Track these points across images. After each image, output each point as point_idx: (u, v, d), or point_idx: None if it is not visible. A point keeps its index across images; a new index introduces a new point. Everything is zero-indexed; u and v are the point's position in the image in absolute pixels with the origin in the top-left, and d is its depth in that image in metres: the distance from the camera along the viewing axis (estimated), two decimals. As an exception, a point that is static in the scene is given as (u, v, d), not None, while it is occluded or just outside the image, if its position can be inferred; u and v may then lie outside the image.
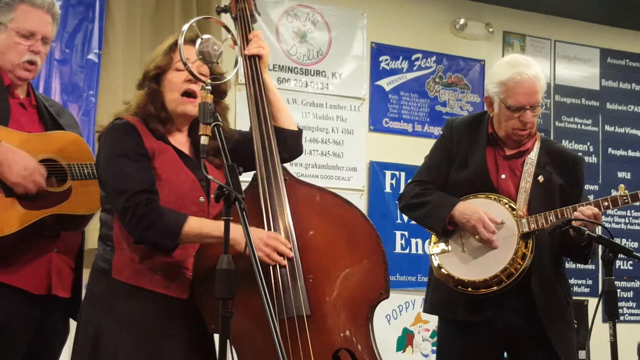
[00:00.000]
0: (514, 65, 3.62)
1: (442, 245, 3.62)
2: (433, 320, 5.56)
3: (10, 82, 3.15)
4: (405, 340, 6.15)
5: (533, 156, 3.65)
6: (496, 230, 3.49)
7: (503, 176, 3.64)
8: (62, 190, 3.09)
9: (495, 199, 3.58)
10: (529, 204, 3.57)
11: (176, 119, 2.96)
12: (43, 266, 3.06)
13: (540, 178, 3.61)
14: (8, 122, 3.05)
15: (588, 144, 7.06)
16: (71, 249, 3.18)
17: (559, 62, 7.06)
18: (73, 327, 3.02)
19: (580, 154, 6.60)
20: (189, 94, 2.90)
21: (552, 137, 6.73)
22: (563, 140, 6.80)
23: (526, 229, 3.49)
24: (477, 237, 3.52)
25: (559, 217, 3.45)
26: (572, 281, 6.17)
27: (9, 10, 3.13)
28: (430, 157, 3.85)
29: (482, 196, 3.60)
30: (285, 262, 2.76)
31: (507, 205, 3.55)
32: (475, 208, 3.53)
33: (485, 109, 3.77)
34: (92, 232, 3.13)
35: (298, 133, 3.14)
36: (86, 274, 3.02)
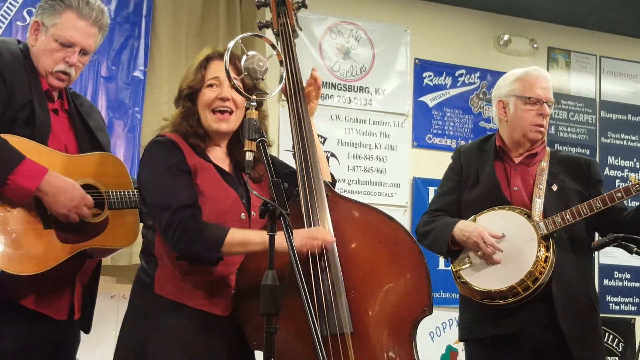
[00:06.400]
0: (525, 69, 3.77)
1: (463, 262, 3.61)
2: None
3: (49, 87, 3.05)
4: (449, 357, 6.11)
5: (544, 165, 3.67)
6: (496, 245, 3.50)
7: (515, 188, 3.66)
8: (99, 222, 3.03)
9: (509, 208, 3.60)
10: (544, 211, 3.56)
11: (212, 136, 2.98)
12: (67, 292, 3.02)
13: (554, 187, 3.64)
14: (48, 137, 2.97)
15: (634, 160, 6.98)
16: (89, 269, 3.14)
17: (605, 78, 7.00)
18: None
19: (626, 170, 6.48)
20: (221, 111, 2.92)
21: (597, 153, 6.68)
22: (609, 157, 6.74)
23: (545, 232, 3.50)
24: (479, 253, 3.51)
25: (575, 215, 3.47)
26: (618, 299, 6.07)
27: (54, 14, 3.02)
28: (441, 185, 3.91)
29: (496, 208, 3.62)
30: (331, 239, 2.73)
31: (523, 214, 3.56)
32: (474, 225, 3.55)
33: (496, 120, 3.83)
34: (136, 247, 3.12)
35: (331, 184, 3.04)
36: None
